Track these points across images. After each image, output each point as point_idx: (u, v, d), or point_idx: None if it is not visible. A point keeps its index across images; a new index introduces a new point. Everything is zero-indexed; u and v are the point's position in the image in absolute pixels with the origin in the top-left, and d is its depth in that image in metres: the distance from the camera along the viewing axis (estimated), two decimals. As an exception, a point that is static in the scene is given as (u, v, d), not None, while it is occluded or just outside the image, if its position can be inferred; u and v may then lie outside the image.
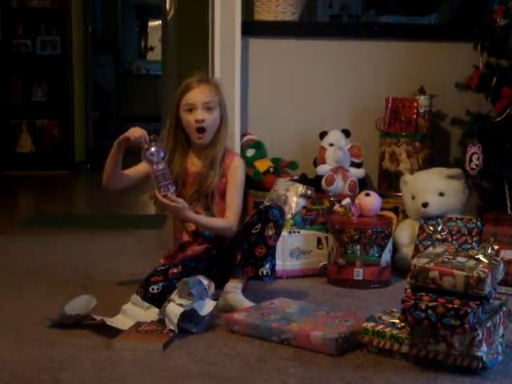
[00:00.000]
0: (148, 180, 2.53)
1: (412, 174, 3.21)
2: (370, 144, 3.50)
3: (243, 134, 3.51)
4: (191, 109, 2.50)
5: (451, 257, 2.03)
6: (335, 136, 3.42)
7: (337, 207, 2.97)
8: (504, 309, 2.08)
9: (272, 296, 2.50)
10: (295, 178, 3.31)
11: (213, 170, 2.51)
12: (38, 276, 2.89)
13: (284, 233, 2.76)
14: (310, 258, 2.98)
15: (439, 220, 3.00)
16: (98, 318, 2.24)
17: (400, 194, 3.19)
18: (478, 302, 1.91)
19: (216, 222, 2.54)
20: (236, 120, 3.42)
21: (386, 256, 2.86)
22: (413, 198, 3.07)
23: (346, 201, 2.95)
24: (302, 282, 2.88)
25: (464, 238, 2.95)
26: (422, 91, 3.43)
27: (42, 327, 2.26)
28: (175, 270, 2.48)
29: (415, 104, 3.39)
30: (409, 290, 1.99)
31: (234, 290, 2.46)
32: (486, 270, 1.92)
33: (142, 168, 2.57)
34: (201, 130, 2.51)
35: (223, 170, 2.53)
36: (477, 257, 2.01)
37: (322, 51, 3.59)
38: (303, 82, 3.60)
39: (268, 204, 2.56)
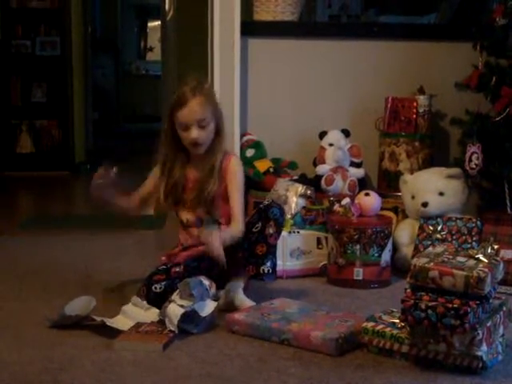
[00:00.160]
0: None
1: (412, 173, 3.21)
2: (369, 144, 3.51)
3: (243, 134, 3.51)
4: (185, 127, 2.49)
5: (451, 256, 2.03)
6: (335, 136, 3.42)
7: (336, 207, 2.97)
8: (504, 308, 2.08)
9: (272, 296, 2.50)
10: (295, 178, 3.31)
11: (212, 178, 2.51)
12: (38, 276, 2.89)
13: (284, 233, 2.76)
14: (310, 258, 2.98)
15: (439, 220, 3.00)
16: (98, 318, 2.24)
17: (400, 193, 3.19)
18: (477, 302, 1.90)
19: (234, 230, 2.50)
20: (235, 120, 3.43)
21: (386, 256, 2.86)
22: (412, 197, 3.07)
23: (346, 201, 2.95)
24: (302, 282, 2.88)
25: (464, 237, 2.94)
26: (421, 91, 3.43)
27: (42, 328, 2.26)
28: (177, 269, 2.49)
29: (415, 104, 3.39)
30: (409, 290, 1.99)
31: (235, 289, 2.46)
32: (486, 270, 1.92)
33: (151, 183, 2.62)
34: (196, 145, 2.51)
35: (222, 174, 2.53)
36: (477, 256, 2.01)
37: (321, 51, 3.59)
38: (303, 82, 3.60)
39: (268, 203, 2.55)
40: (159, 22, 8.06)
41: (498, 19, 2.96)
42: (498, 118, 2.92)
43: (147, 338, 2.13)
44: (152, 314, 2.29)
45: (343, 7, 4.35)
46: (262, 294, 2.55)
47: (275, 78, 3.59)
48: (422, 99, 3.40)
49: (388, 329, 2.06)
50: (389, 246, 2.87)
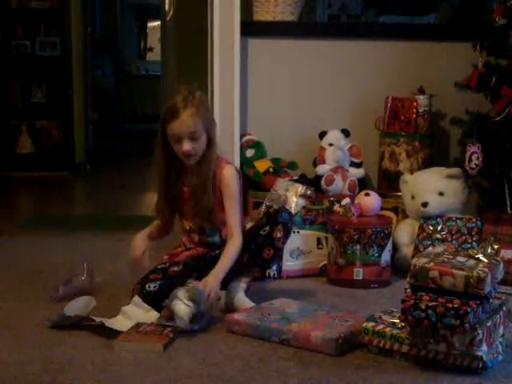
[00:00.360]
0: None
1: (412, 173, 3.21)
2: (369, 144, 3.51)
3: (243, 134, 3.51)
4: (177, 139, 2.46)
5: (451, 256, 2.03)
6: (335, 136, 3.42)
7: (336, 207, 2.97)
8: (504, 308, 2.08)
9: (272, 296, 2.50)
10: (295, 178, 3.31)
11: (206, 194, 2.47)
12: (38, 276, 2.89)
13: (284, 233, 2.76)
14: (310, 258, 2.98)
15: (439, 220, 2.99)
16: (98, 319, 2.24)
17: (400, 193, 3.19)
18: (478, 302, 1.90)
19: (230, 254, 2.46)
20: (235, 120, 3.43)
21: (386, 256, 2.86)
22: (412, 197, 3.07)
23: (346, 201, 2.95)
24: (302, 282, 2.88)
25: (464, 237, 2.95)
26: (421, 91, 3.43)
27: (42, 328, 2.26)
28: (175, 269, 2.50)
29: (415, 104, 3.39)
30: (409, 290, 1.99)
31: (237, 289, 2.47)
32: (486, 270, 1.92)
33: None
34: (189, 157, 2.49)
35: (215, 183, 2.50)
36: (477, 256, 2.01)
37: (321, 51, 3.59)
38: (302, 82, 3.60)
39: (277, 207, 2.56)
40: (159, 22, 8.06)
41: (497, 19, 2.96)
42: (497, 118, 2.92)
43: (147, 339, 2.13)
44: (152, 316, 2.29)
45: (343, 7, 4.35)
46: (262, 295, 2.55)
47: (275, 78, 3.59)
48: (421, 99, 3.40)
49: (388, 329, 2.06)
50: (389, 246, 2.87)
